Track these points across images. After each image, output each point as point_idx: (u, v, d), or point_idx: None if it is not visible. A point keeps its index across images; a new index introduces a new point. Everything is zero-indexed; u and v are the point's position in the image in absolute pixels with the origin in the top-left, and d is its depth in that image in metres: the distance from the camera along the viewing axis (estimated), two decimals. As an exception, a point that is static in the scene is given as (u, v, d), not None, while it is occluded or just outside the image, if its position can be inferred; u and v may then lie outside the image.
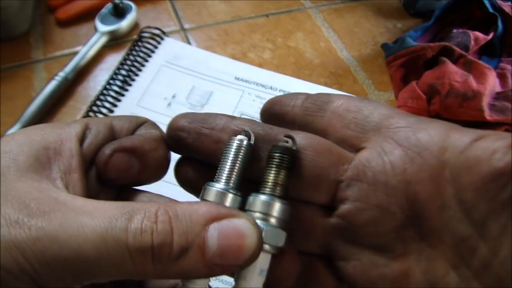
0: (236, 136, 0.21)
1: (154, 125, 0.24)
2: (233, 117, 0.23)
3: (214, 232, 0.17)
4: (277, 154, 0.20)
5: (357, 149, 0.21)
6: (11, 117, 0.47)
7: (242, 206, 0.21)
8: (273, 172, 0.20)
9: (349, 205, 0.20)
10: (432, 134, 0.19)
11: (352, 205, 0.20)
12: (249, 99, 0.50)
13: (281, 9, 0.64)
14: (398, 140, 0.20)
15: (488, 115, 0.45)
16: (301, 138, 0.21)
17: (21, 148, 0.19)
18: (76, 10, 0.59)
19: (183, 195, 0.23)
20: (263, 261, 0.20)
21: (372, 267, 0.20)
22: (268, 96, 0.50)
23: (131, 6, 0.58)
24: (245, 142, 0.21)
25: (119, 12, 0.57)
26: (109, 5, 0.58)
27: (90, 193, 0.21)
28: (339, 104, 0.22)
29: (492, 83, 0.47)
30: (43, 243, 0.16)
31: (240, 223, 0.18)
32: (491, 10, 0.53)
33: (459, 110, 0.45)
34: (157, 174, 0.23)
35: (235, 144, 0.21)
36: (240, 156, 0.21)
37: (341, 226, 0.20)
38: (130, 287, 0.23)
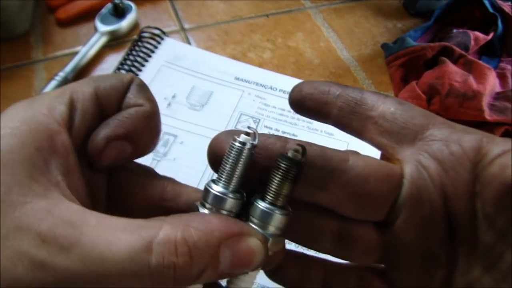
0: (239, 137, 0.21)
1: (141, 90, 0.23)
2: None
3: (227, 253, 0.18)
4: (283, 165, 0.20)
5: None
6: (11, 117, 0.46)
7: (244, 207, 0.21)
8: (277, 182, 0.20)
9: (401, 222, 0.21)
10: (465, 147, 0.19)
11: (404, 222, 0.21)
12: (249, 99, 0.50)
13: (281, 9, 0.64)
14: (433, 154, 0.20)
15: (488, 115, 0.45)
16: (362, 167, 0.21)
17: (14, 157, 0.17)
18: (76, 10, 0.59)
19: (182, 171, 0.23)
20: None
21: (422, 275, 0.21)
22: (268, 96, 0.50)
23: (131, 6, 0.59)
24: (248, 145, 0.21)
25: (119, 12, 0.57)
26: (109, 5, 0.58)
27: (84, 178, 0.21)
28: (373, 109, 0.22)
29: (492, 83, 0.47)
30: (70, 282, 0.16)
31: (252, 243, 0.19)
32: (491, 10, 0.53)
33: (459, 110, 0.45)
34: (149, 149, 0.23)
35: (237, 146, 0.21)
36: (242, 159, 0.21)
37: (395, 241, 0.21)
38: None
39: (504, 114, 0.45)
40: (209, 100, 0.50)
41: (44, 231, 0.16)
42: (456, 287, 0.20)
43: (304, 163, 0.20)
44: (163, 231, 0.17)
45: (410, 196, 0.20)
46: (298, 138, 0.49)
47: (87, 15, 0.58)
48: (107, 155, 0.21)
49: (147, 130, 0.22)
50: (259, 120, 0.48)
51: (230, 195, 0.20)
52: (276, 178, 0.20)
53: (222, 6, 0.63)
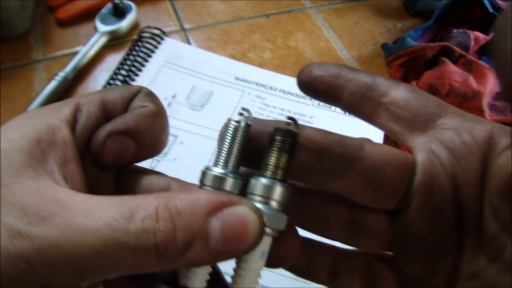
0: (233, 117, 0.21)
1: (148, 96, 0.23)
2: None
3: (216, 223, 0.17)
4: (279, 137, 0.20)
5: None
6: (11, 117, 0.46)
7: (243, 189, 0.20)
8: (275, 155, 0.20)
9: (412, 210, 0.21)
10: (476, 137, 0.20)
11: (415, 209, 0.21)
12: (249, 99, 0.50)
13: (281, 9, 0.64)
14: (444, 142, 0.20)
15: (488, 115, 0.45)
16: (378, 155, 0.21)
17: (13, 145, 0.18)
18: (76, 10, 0.59)
19: (182, 171, 0.23)
20: (264, 244, 0.20)
21: (430, 263, 0.21)
22: (268, 96, 0.50)
23: (131, 6, 0.58)
24: (242, 124, 0.20)
25: (119, 12, 0.57)
26: (109, 5, 0.58)
27: (89, 178, 0.21)
28: (385, 95, 0.22)
29: (492, 83, 0.47)
30: (47, 252, 0.16)
31: (241, 211, 0.18)
32: (491, 10, 0.53)
33: (459, 110, 0.45)
34: (155, 150, 0.23)
35: (232, 126, 0.20)
36: (238, 139, 0.20)
37: (404, 228, 0.21)
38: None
39: (504, 114, 0.45)
40: (209, 100, 0.50)
41: (28, 204, 0.17)
42: (462, 275, 0.20)
43: (298, 134, 0.20)
44: (147, 201, 0.17)
45: (422, 184, 0.20)
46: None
47: (87, 15, 0.58)
48: (108, 150, 0.21)
49: (150, 128, 0.22)
50: (259, 120, 0.48)
51: (230, 175, 0.20)
52: (273, 152, 0.20)
53: (222, 6, 0.63)
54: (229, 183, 0.20)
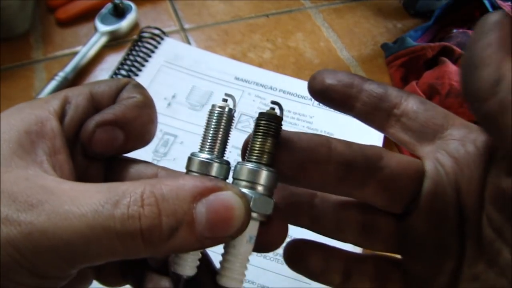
0: (217, 103, 0.21)
1: (136, 87, 0.23)
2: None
3: (202, 208, 0.17)
4: (263, 122, 0.20)
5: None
6: (11, 117, 0.46)
7: (228, 174, 0.21)
8: (259, 140, 0.20)
9: (418, 213, 0.22)
10: (480, 147, 0.20)
11: (421, 213, 0.21)
12: (249, 99, 0.50)
13: (281, 9, 0.64)
14: (450, 152, 0.21)
15: (488, 115, 0.45)
16: (395, 164, 0.22)
17: (3, 136, 0.19)
18: (76, 10, 0.59)
19: (182, 171, 0.23)
20: (252, 228, 0.20)
21: (434, 264, 0.22)
22: (268, 96, 0.50)
23: (131, 6, 0.59)
24: (226, 109, 0.20)
25: (119, 12, 0.57)
26: (109, 5, 0.58)
27: (78, 168, 0.22)
28: (396, 107, 0.22)
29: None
30: (35, 237, 0.16)
31: (227, 196, 0.18)
32: (491, 10, 0.53)
33: (459, 110, 0.45)
34: (144, 140, 0.23)
35: (217, 112, 0.20)
36: (222, 124, 0.20)
37: (410, 231, 0.22)
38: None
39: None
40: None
41: (16, 191, 0.17)
42: (464, 277, 0.21)
43: (281, 118, 0.21)
44: (132, 187, 0.17)
45: (428, 190, 0.21)
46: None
47: (87, 15, 0.58)
48: (97, 140, 0.21)
49: (138, 118, 0.22)
50: (259, 120, 0.48)
51: (216, 160, 0.20)
52: (258, 136, 0.20)
53: (222, 6, 0.63)
54: (215, 168, 0.20)
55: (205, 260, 0.22)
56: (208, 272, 0.23)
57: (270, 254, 0.38)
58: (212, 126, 0.20)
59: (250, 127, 0.47)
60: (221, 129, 0.20)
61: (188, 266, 0.20)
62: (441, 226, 0.21)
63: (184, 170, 0.21)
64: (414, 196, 0.22)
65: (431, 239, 0.22)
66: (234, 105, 0.21)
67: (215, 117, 0.20)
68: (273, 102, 0.21)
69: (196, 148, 0.21)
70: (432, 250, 0.22)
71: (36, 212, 0.16)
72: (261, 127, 0.20)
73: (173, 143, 0.46)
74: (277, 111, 0.21)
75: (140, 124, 0.22)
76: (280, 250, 0.38)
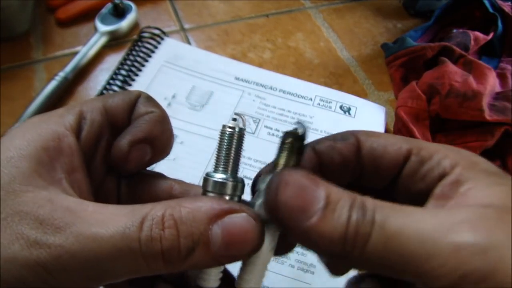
0: (227, 123, 0.21)
1: (150, 100, 0.24)
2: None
3: (217, 230, 0.18)
4: (289, 140, 0.21)
5: None
6: (11, 117, 0.47)
7: (243, 191, 0.21)
8: (285, 156, 0.20)
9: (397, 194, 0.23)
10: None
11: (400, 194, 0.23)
12: (249, 99, 0.50)
13: (281, 9, 0.64)
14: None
15: (488, 115, 0.45)
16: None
17: (21, 152, 0.19)
18: (76, 10, 0.59)
19: (182, 171, 0.23)
20: (272, 238, 0.20)
21: None
22: (268, 96, 0.50)
23: (131, 6, 0.58)
24: (237, 129, 0.21)
25: (119, 12, 0.57)
26: (109, 5, 0.58)
27: (95, 183, 0.22)
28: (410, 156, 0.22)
29: (492, 83, 0.47)
30: (65, 259, 0.17)
31: (241, 218, 0.19)
32: (491, 10, 0.53)
33: (459, 110, 0.45)
34: (166, 153, 0.24)
35: (228, 132, 0.21)
36: (234, 144, 0.21)
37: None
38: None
39: (504, 114, 0.45)
40: (209, 100, 0.50)
41: (42, 215, 0.17)
42: None
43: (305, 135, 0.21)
44: (154, 210, 0.18)
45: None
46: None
47: (87, 15, 0.58)
48: (132, 159, 0.22)
49: (162, 133, 0.23)
50: (259, 120, 0.48)
51: (230, 179, 0.21)
52: (283, 153, 0.20)
53: (222, 6, 0.63)
54: (230, 187, 0.21)
55: (226, 272, 0.23)
56: (230, 282, 0.23)
57: (270, 254, 0.38)
58: (225, 147, 0.21)
59: (250, 127, 0.47)
60: (233, 149, 0.21)
61: (211, 279, 0.21)
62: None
63: (184, 170, 0.22)
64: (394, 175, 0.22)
65: None
66: (244, 124, 0.22)
67: (226, 138, 0.21)
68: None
69: (196, 148, 0.22)
70: None
71: (64, 235, 0.17)
72: (286, 145, 0.21)
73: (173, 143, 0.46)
74: (240, 123, 0.21)
75: (165, 138, 0.24)
76: (280, 250, 0.38)
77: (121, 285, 0.24)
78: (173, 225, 0.18)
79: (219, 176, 0.21)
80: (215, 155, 0.22)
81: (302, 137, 0.21)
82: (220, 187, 0.21)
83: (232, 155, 0.21)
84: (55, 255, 0.17)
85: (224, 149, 0.21)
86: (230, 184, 0.21)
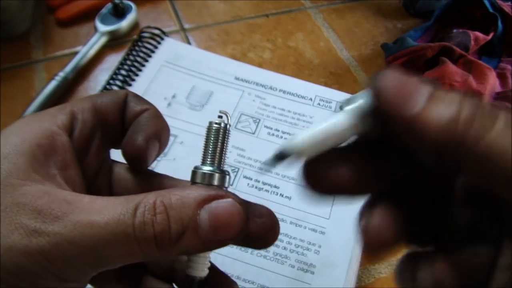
0: (213, 120, 0.23)
1: (139, 98, 0.25)
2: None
3: (205, 214, 0.19)
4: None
5: None
6: (11, 117, 0.47)
7: (230, 182, 0.23)
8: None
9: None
10: None
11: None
12: (249, 99, 0.50)
13: (281, 9, 0.64)
14: None
15: (488, 115, 0.45)
16: None
17: (17, 149, 0.20)
18: (76, 10, 0.59)
19: (182, 171, 0.24)
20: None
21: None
22: (268, 96, 0.50)
23: (131, 6, 0.59)
24: (222, 125, 0.23)
25: (119, 12, 0.57)
26: (109, 5, 0.58)
27: (88, 179, 0.23)
28: None
29: (492, 83, 0.47)
30: (63, 246, 0.18)
31: (227, 203, 0.20)
32: (491, 10, 0.53)
33: (459, 110, 0.45)
34: (165, 146, 0.25)
35: (214, 128, 0.23)
36: (220, 138, 0.23)
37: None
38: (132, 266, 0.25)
39: (504, 114, 0.45)
40: (209, 100, 0.50)
41: (40, 205, 0.18)
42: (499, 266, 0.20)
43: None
44: (146, 198, 0.19)
45: None
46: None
47: (87, 15, 0.58)
48: (149, 154, 0.24)
49: (164, 127, 0.25)
50: (259, 120, 0.48)
51: (217, 171, 0.22)
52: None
53: (222, 6, 0.63)
54: (217, 178, 0.22)
55: (212, 264, 0.24)
56: (219, 274, 0.25)
57: (270, 254, 0.38)
58: (211, 141, 0.23)
59: (250, 127, 0.47)
60: (219, 143, 0.23)
61: (200, 268, 0.23)
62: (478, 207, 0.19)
63: (184, 170, 0.23)
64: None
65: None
66: (229, 120, 0.23)
67: (213, 133, 0.23)
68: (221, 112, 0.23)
69: (196, 148, 0.23)
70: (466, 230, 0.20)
71: (63, 223, 0.18)
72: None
73: (173, 143, 0.46)
74: (225, 119, 0.23)
75: (167, 131, 0.25)
76: (280, 250, 0.38)
77: (107, 279, 0.25)
78: (164, 211, 0.19)
79: (206, 168, 0.22)
80: (202, 150, 0.23)
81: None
82: (208, 178, 0.22)
83: (218, 149, 0.23)
84: (54, 242, 0.18)
85: (211, 144, 0.23)
86: (217, 176, 0.22)
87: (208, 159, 0.22)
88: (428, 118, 0.15)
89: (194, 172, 0.22)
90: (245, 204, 0.21)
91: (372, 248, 0.19)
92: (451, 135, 0.15)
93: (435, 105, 0.16)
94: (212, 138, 0.23)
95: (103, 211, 0.19)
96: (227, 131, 0.23)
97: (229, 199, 0.20)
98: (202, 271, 0.23)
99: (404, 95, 0.16)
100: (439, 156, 0.16)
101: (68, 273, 0.18)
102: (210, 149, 0.23)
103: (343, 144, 0.19)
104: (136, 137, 0.23)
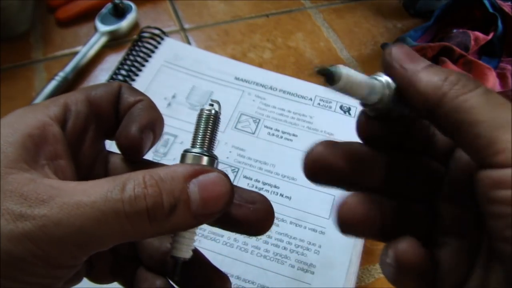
0: (205, 107, 0.24)
1: (133, 89, 0.25)
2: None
3: (194, 187, 0.20)
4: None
5: None
6: (11, 117, 0.46)
7: (217, 166, 0.23)
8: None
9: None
10: None
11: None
12: (249, 99, 0.50)
13: (281, 9, 0.64)
14: None
15: (488, 115, 0.45)
16: None
17: (7, 139, 0.20)
18: (76, 10, 0.59)
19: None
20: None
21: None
22: (268, 96, 0.50)
23: (131, 6, 0.59)
24: (213, 111, 0.24)
25: (119, 12, 0.57)
26: (109, 5, 0.58)
27: (83, 170, 0.23)
28: None
29: (492, 83, 0.47)
30: (50, 228, 0.17)
31: (213, 175, 0.21)
32: (491, 10, 0.53)
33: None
34: (159, 138, 0.25)
35: (205, 114, 0.23)
36: (210, 123, 0.23)
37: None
38: (122, 251, 0.26)
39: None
40: (209, 100, 0.50)
41: (26, 191, 0.18)
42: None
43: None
44: (134, 174, 0.19)
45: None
46: (298, 138, 0.48)
47: (87, 15, 0.58)
48: (145, 144, 0.24)
49: (158, 117, 0.25)
50: (259, 120, 0.48)
51: (205, 153, 0.23)
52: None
53: (222, 6, 0.63)
54: (205, 160, 0.23)
55: (204, 259, 0.25)
56: (211, 270, 0.25)
57: (270, 254, 0.38)
58: (202, 127, 0.23)
59: (250, 127, 0.47)
60: (209, 129, 0.23)
61: (184, 249, 0.23)
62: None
63: None
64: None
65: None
66: (219, 108, 0.24)
67: (204, 119, 0.23)
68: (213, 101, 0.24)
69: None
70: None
71: (49, 206, 0.18)
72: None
73: (173, 143, 0.46)
74: (216, 107, 0.24)
75: (161, 122, 0.25)
76: (280, 250, 0.38)
77: (102, 272, 0.25)
78: (155, 184, 0.19)
79: (195, 151, 0.23)
80: (192, 135, 0.24)
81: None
82: (197, 159, 0.23)
83: (208, 134, 0.23)
84: (40, 225, 0.17)
85: (201, 129, 0.23)
86: (205, 158, 0.23)
87: (198, 143, 0.23)
88: (422, 79, 0.19)
89: (183, 155, 0.23)
90: (236, 188, 0.22)
91: (341, 221, 0.22)
92: (436, 93, 0.19)
93: (430, 72, 0.19)
94: (202, 123, 0.23)
95: (89, 190, 0.18)
96: (217, 119, 0.24)
97: (215, 172, 0.21)
98: (186, 252, 0.23)
99: (408, 60, 0.20)
100: (429, 112, 0.19)
101: (57, 257, 0.18)
102: (200, 134, 0.23)
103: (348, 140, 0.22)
104: (130, 127, 0.23)
